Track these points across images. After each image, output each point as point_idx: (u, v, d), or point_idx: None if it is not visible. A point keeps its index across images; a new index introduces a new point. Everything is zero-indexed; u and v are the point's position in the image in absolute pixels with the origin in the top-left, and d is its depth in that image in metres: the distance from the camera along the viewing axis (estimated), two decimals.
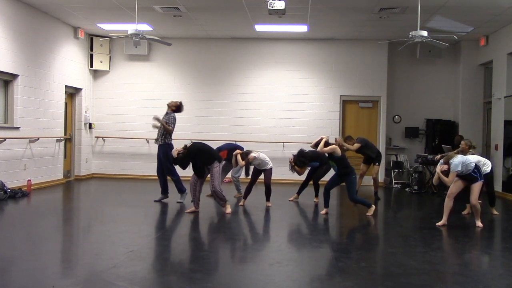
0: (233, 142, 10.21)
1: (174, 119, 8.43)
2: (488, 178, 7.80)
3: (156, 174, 8.61)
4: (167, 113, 8.47)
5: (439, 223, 6.85)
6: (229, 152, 8.82)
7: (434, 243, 6.03)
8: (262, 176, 8.33)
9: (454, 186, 6.81)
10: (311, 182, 8.98)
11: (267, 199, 8.33)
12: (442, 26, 9.98)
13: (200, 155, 7.30)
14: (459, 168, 6.63)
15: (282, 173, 11.16)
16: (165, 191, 8.47)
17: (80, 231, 6.63)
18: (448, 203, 6.84)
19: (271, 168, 8.31)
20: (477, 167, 6.82)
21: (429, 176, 10.92)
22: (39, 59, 9.99)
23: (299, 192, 9.01)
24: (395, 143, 12.40)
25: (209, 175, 7.37)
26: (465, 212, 7.89)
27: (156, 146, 8.51)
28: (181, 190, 8.36)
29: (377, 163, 9.31)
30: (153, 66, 12.44)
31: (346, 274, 4.62)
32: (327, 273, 4.67)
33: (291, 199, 8.96)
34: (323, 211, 7.70)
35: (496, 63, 10.81)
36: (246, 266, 4.89)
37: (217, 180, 7.34)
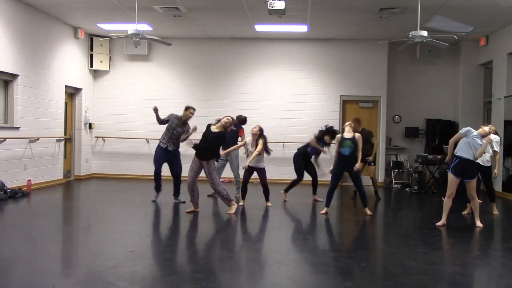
0: None
1: (169, 114, 8.50)
2: (487, 172, 7.85)
3: (154, 175, 8.58)
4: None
5: (439, 223, 6.85)
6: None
7: (434, 243, 6.03)
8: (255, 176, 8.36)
9: (453, 186, 6.81)
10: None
11: (267, 199, 8.34)
12: (442, 26, 9.98)
13: (212, 142, 7.31)
14: None
15: (282, 173, 11.17)
16: (159, 189, 8.55)
17: (80, 231, 6.63)
18: (448, 203, 6.85)
19: (264, 168, 8.30)
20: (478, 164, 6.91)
21: (429, 176, 10.92)
22: (39, 59, 9.99)
23: (287, 190, 9.03)
24: (395, 143, 12.40)
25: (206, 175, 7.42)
26: (465, 212, 7.90)
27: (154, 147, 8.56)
28: (178, 193, 8.46)
29: (372, 163, 9.30)
30: (153, 66, 12.44)
31: (346, 274, 4.62)
32: (327, 273, 4.66)
33: (286, 199, 8.95)
34: (323, 211, 7.69)
35: (496, 63, 10.81)
36: (246, 266, 4.89)
37: (215, 177, 7.36)
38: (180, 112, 8.53)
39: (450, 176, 6.82)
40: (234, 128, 8.91)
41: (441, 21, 9.68)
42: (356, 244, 6.09)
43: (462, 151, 6.73)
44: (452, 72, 12.32)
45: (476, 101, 11.85)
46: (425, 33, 8.01)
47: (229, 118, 7.52)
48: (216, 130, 7.37)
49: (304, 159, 8.94)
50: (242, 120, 9.60)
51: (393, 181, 11.81)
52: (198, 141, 7.64)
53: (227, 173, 9.71)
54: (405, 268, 4.78)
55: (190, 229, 6.78)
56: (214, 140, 7.36)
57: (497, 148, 7.77)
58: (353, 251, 5.60)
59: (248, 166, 8.16)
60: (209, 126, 7.50)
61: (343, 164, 7.55)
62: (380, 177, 11.87)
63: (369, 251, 5.76)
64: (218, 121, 7.59)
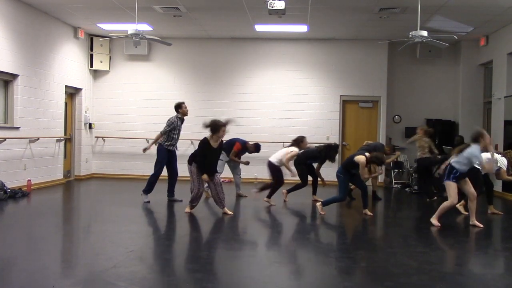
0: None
1: (168, 121, 8.34)
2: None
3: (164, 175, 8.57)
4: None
5: (435, 223, 6.82)
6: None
7: (434, 243, 6.03)
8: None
9: (456, 191, 6.77)
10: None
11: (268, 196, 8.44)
12: (442, 26, 9.98)
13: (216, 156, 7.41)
14: None
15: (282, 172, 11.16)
16: (151, 191, 8.49)
17: (80, 231, 6.63)
18: (450, 208, 6.83)
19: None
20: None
21: None
22: (39, 59, 9.99)
23: (289, 191, 8.95)
24: (395, 143, 12.37)
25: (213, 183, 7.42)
26: (459, 204, 7.84)
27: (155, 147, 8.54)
28: (173, 192, 8.53)
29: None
30: (153, 66, 12.44)
31: (346, 274, 4.62)
32: (327, 273, 4.67)
33: (286, 199, 8.93)
34: (323, 211, 7.69)
35: (496, 63, 10.81)
36: (246, 266, 4.89)
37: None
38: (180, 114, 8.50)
39: (452, 184, 6.69)
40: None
41: (441, 21, 9.68)
42: (356, 244, 6.09)
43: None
44: (452, 72, 12.32)
45: (476, 101, 11.85)
46: (425, 33, 8.01)
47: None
48: (216, 144, 7.29)
49: (305, 164, 8.88)
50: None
51: (393, 181, 11.81)
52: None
53: (227, 173, 9.71)
54: (405, 268, 4.77)
55: (190, 229, 6.78)
56: (218, 154, 7.54)
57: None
58: (353, 251, 5.60)
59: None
60: (207, 142, 7.26)
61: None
62: (380, 177, 11.84)
63: (369, 251, 5.76)
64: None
